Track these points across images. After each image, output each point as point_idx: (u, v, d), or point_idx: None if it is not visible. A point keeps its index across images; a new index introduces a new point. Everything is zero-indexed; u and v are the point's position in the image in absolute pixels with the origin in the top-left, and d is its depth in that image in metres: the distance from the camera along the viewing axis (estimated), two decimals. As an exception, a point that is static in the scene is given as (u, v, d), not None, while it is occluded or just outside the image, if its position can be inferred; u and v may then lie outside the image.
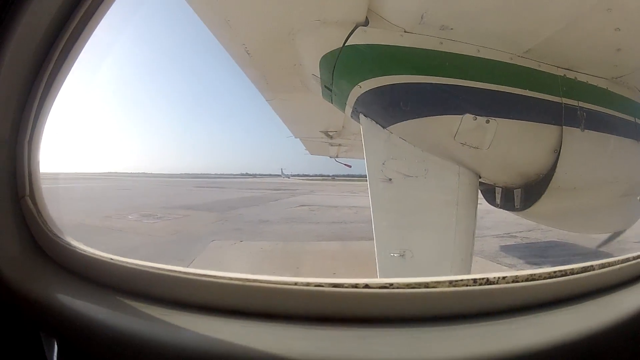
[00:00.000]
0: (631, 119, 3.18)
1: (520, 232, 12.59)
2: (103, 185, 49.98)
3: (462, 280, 1.04)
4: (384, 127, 2.78)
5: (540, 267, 7.84)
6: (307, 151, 14.00)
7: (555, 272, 1.12)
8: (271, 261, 9.38)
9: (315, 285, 1.01)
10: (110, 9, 1.19)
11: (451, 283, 1.03)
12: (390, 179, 2.73)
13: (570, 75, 2.86)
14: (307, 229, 14.70)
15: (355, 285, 1.00)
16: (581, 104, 2.84)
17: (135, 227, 14.34)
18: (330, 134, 7.82)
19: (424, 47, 2.52)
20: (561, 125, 2.74)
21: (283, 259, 9.56)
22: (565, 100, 2.77)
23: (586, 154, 2.89)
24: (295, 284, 1.01)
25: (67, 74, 1.19)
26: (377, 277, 2.56)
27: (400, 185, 2.73)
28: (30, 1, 0.96)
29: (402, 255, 2.65)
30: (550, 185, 2.78)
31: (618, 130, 3.07)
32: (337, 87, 2.97)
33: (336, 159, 13.90)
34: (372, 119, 2.82)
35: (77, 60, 1.19)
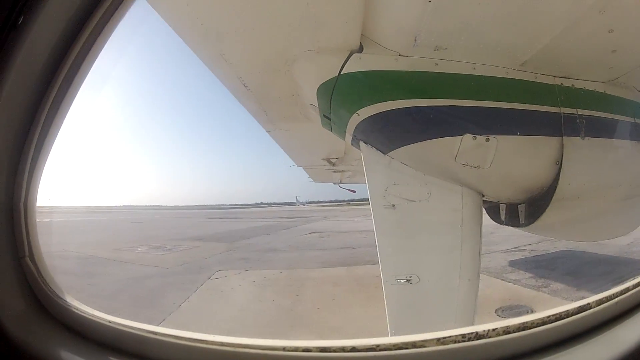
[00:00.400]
0: (630, 119, 3.18)
1: (529, 244, 12.43)
2: (116, 219, 51.13)
3: (450, 337, 1.01)
4: (384, 153, 2.78)
5: (547, 280, 8.02)
6: (311, 179, 14.31)
7: (549, 316, 1.07)
8: (273, 289, 9.50)
9: (303, 350, 1.00)
10: (106, 46, 1.25)
11: (439, 341, 1.01)
12: (393, 205, 2.71)
13: (567, 83, 2.85)
14: (313, 256, 14.80)
15: (343, 349, 0.99)
16: (580, 111, 2.83)
17: (143, 259, 14.70)
18: (333, 161, 7.87)
19: (420, 70, 2.54)
20: (561, 136, 2.73)
21: (285, 287, 9.67)
22: (564, 110, 2.77)
23: (588, 161, 2.87)
24: (284, 348, 1.01)
25: (60, 127, 1.21)
26: (383, 301, 2.70)
27: (404, 210, 2.72)
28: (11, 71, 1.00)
29: (408, 281, 2.63)
30: (554, 197, 2.76)
31: (618, 133, 3.07)
32: (335, 116, 2.98)
33: (340, 185, 14.08)
34: (372, 146, 2.82)
35: (73, 104, 1.22)
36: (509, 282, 8.64)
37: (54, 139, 1.23)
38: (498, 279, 8.91)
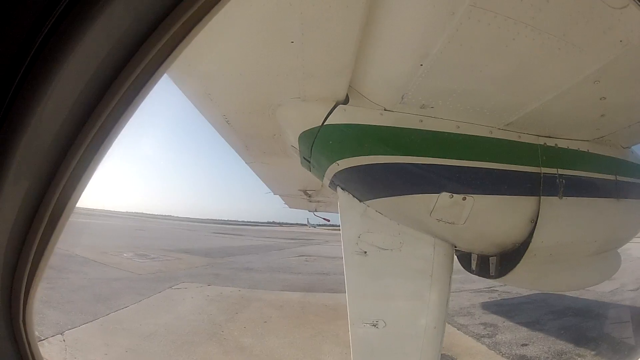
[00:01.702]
0: (612, 177, 3.19)
1: (504, 285, 12.48)
2: (121, 225, 53.34)
3: None
4: (360, 201, 2.84)
5: (495, 330, 8.09)
6: (286, 205, 15.37)
7: None
8: (218, 305, 10.54)
9: None
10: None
11: None
12: (365, 252, 2.76)
13: (551, 142, 2.88)
14: (283, 279, 15.73)
15: None
16: (560, 171, 2.86)
17: (122, 264, 16.17)
18: (309, 192, 8.09)
19: (404, 126, 2.56)
20: (539, 196, 2.77)
21: (230, 305, 10.58)
22: (544, 170, 2.80)
23: (564, 220, 2.90)
24: None
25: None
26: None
27: (375, 257, 2.76)
28: None
29: (374, 325, 2.69)
30: (526, 253, 2.81)
31: (597, 191, 3.08)
32: (315, 162, 3.01)
33: (315, 213, 14.99)
34: (349, 193, 2.88)
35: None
36: (455, 326, 8.43)
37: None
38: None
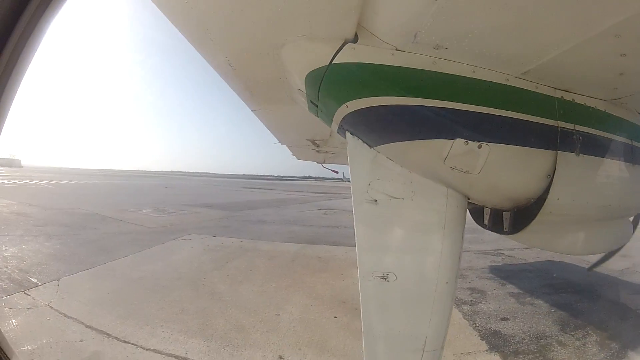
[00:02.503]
0: (627, 141, 3.19)
1: (514, 249, 12.28)
2: (152, 183, 56.75)
3: None
4: (370, 147, 2.78)
5: (480, 297, 7.79)
6: (294, 156, 15.60)
7: None
8: (214, 254, 11.36)
9: None
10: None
11: None
12: (375, 200, 2.71)
13: (568, 97, 2.83)
14: (291, 230, 16.46)
15: None
16: (577, 127, 2.81)
17: (138, 219, 17.54)
18: (317, 142, 7.99)
19: (416, 67, 2.48)
20: (556, 150, 2.73)
21: (226, 254, 11.35)
22: (561, 124, 2.75)
23: (580, 179, 2.88)
24: None
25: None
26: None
27: (386, 206, 2.71)
28: None
29: (385, 278, 2.66)
30: (541, 210, 2.78)
31: (614, 153, 3.07)
32: (323, 105, 2.94)
33: (323, 164, 15.15)
34: (359, 138, 2.81)
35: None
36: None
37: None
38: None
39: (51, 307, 6.63)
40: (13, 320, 6.05)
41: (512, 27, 2.18)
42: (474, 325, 6.36)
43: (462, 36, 2.30)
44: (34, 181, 48.36)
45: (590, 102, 2.92)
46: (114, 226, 15.31)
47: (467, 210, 3.07)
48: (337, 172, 17.95)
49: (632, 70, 2.53)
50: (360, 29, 2.44)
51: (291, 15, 2.33)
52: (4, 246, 10.88)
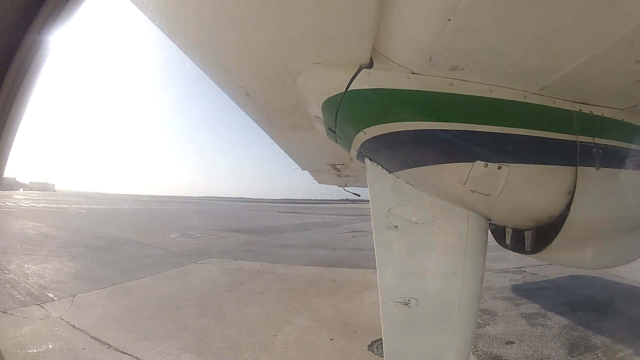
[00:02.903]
0: None
1: (535, 265, 11.90)
2: (188, 209, 58.79)
3: None
4: (390, 172, 2.78)
5: (490, 320, 7.45)
6: (315, 181, 15.72)
7: None
8: (231, 277, 11.56)
9: None
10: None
11: None
12: (396, 226, 2.71)
13: (586, 109, 2.80)
14: (314, 254, 16.45)
15: None
16: (597, 140, 2.78)
17: (163, 243, 18.28)
18: (338, 167, 7.92)
19: (433, 90, 2.46)
20: (576, 166, 2.70)
21: (243, 277, 11.50)
22: (580, 138, 2.72)
23: (601, 193, 2.83)
24: None
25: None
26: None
27: (406, 232, 2.71)
28: None
29: (406, 304, 2.66)
30: (563, 228, 2.74)
31: (633, 163, 3.05)
32: (340, 132, 2.96)
33: (345, 188, 15.10)
34: (378, 164, 2.82)
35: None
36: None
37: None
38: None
39: (62, 319, 7.14)
40: (24, 328, 6.57)
41: (526, 42, 2.18)
42: (475, 349, 6.04)
43: (477, 55, 2.29)
44: (65, 205, 51.14)
45: (608, 113, 2.90)
46: (138, 250, 16.07)
47: (489, 230, 3.09)
48: (359, 195, 17.84)
49: None
50: (376, 54, 2.45)
51: (305, 42, 2.33)
52: (27, 264, 11.73)
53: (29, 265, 11.58)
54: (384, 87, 2.48)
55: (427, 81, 2.45)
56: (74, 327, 6.75)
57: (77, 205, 52.43)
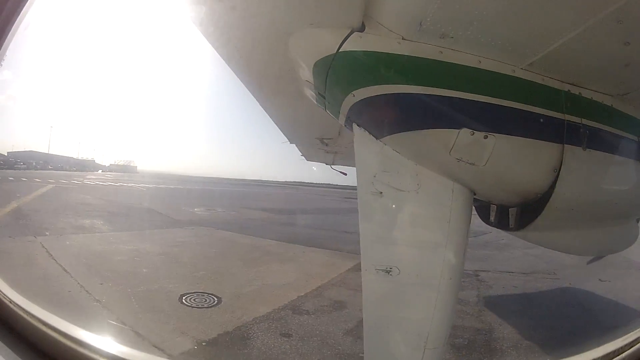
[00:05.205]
0: (635, 138, 3.19)
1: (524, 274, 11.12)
2: (251, 191, 62.96)
3: None
4: (377, 138, 2.82)
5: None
6: (303, 157, 16.56)
7: None
8: (194, 239, 14.11)
9: None
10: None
11: None
12: (380, 193, 2.75)
13: (575, 90, 2.86)
14: (313, 234, 17.68)
15: None
16: (584, 121, 2.83)
17: (179, 213, 21.24)
18: (326, 141, 7.98)
19: (423, 56, 2.54)
20: (562, 144, 2.75)
21: (204, 241, 13.99)
22: (568, 117, 2.77)
23: (587, 174, 2.89)
24: None
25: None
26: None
27: (390, 199, 2.76)
28: None
29: (387, 272, 2.70)
30: (547, 205, 2.79)
31: (621, 150, 3.08)
32: (330, 95, 3.03)
33: (332, 166, 15.47)
34: (365, 129, 2.86)
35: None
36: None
37: None
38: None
39: (42, 245, 10.56)
40: (15, 248, 10.10)
41: (514, 14, 2.28)
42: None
43: (466, 24, 2.38)
44: (132, 184, 53.31)
45: (597, 97, 2.96)
46: (151, 216, 19.42)
47: (474, 207, 3.22)
48: (346, 174, 18.22)
49: (637, 60, 2.55)
50: (367, 18, 2.53)
51: (299, 4, 2.47)
52: (49, 218, 15.34)
53: (51, 219, 15.20)
54: (374, 50, 2.59)
55: (417, 47, 2.54)
56: (47, 251, 10.13)
57: (143, 185, 55.13)
